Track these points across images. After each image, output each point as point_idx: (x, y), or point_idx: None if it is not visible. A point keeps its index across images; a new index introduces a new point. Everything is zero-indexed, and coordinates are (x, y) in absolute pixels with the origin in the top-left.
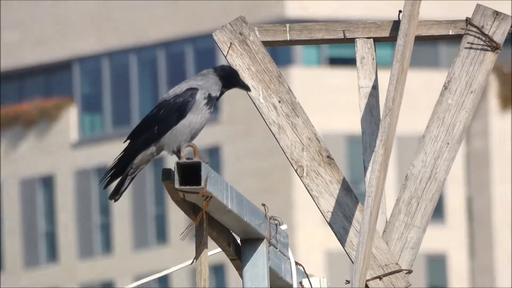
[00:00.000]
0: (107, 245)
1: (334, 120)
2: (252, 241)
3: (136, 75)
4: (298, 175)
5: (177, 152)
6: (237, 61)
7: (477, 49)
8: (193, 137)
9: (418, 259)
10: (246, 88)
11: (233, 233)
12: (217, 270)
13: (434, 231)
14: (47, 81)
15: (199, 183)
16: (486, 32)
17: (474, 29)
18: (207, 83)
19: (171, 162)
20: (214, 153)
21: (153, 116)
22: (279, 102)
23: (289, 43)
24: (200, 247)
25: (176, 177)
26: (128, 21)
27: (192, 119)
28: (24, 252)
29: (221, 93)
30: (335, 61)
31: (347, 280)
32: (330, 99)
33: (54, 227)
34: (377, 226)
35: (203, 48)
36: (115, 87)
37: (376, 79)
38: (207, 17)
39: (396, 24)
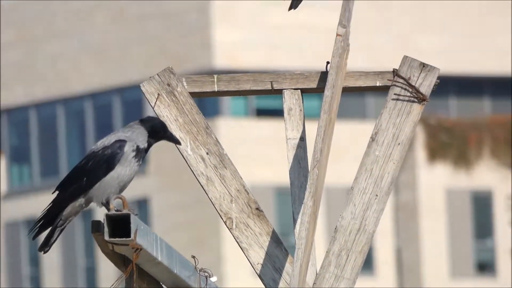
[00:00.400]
0: None
1: (263, 172)
2: None
3: (64, 126)
4: (228, 227)
5: (106, 204)
6: (165, 112)
7: (404, 100)
8: (122, 189)
9: None
10: (174, 140)
11: (163, 285)
12: None
13: (363, 283)
14: None
15: (128, 235)
16: (413, 84)
17: (401, 80)
18: (135, 135)
19: (100, 214)
20: (143, 205)
21: (82, 167)
22: (207, 153)
23: (217, 94)
24: None
25: (106, 229)
26: (55, 72)
27: (120, 171)
28: None
29: (149, 145)
30: (262, 112)
31: None
32: (258, 150)
33: None
34: (307, 278)
35: (131, 99)
36: (43, 138)
37: (304, 130)
38: (135, 67)
39: (323, 75)
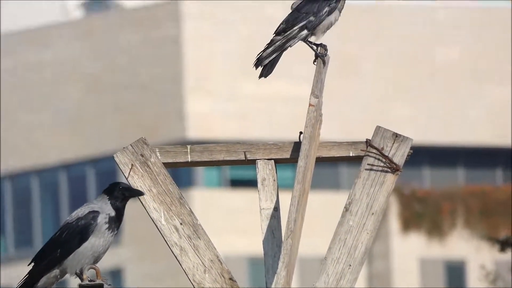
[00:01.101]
0: None
1: (236, 242)
2: None
3: (38, 197)
4: None
5: (80, 274)
6: (139, 182)
7: (377, 170)
8: (96, 259)
9: None
10: (136, 193)
11: None
12: None
13: None
14: None
15: None
16: (386, 154)
17: (374, 150)
18: (105, 205)
19: (74, 284)
20: (116, 275)
21: (56, 239)
22: (181, 224)
23: (190, 165)
24: None
25: None
26: (30, 143)
27: (94, 242)
28: None
29: (118, 210)
30: (236, 183)
31: None
32: (231, 220)
33: None
34: None
35: (105, 170)
36: (17, 209)
37: (278, 200)
38: (109, 138)
39: (297, 146)
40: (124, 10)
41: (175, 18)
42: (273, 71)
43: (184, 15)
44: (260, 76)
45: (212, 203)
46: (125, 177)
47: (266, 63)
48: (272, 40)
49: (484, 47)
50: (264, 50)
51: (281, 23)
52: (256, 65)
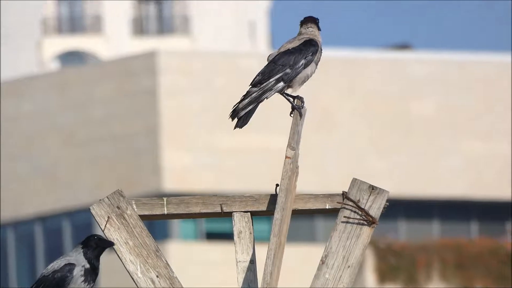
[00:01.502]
0: None
1: None
2: None
3: (14, 249)
4: None
5: None
6: (115, 235)
7: (353, 223)
8: None
9: None
10: (107, 244)
11: None
12: None
13: None
14: None
15: None
16: (363, 206)
17: (351, 203)
18: (81, 257)
19: None
20: None
21: None
22: (157, 276)
23: (167, 217)
24: None
25: None
26: (6, 195)
27: None
28: None
29: (92, 263)
30: (212, 236)
31: None
32: (208, 273)
33: None
34: None
35: (81, 222)
36: None
37: (254, 253)
38: (85, 191)
39: (273, 198)
40: (100, 63)
41: (151, 71)
42: (248, 122)
43: (160, 68)
44: (235, 127)
45: (188, 255)
46: (101, 229)
47: (242, 115)
48: (248, 92)
49: (459, 101)
50: (240, 102)
51: (257, 75)
52: (232, 116)
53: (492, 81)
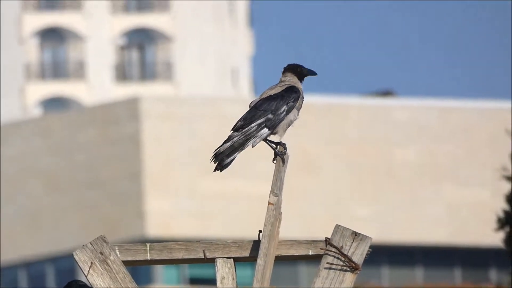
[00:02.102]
0: None
1: None
2: None
3: None
4: None
5: None
6: (98, 280)
7: (336, 269)
8: None
9: None
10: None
11: None
12: None
13: None
14: None
15: None
16: (346, 253)
17: (334, 249)
18: None
19: None
20: None
21: None
22: None
23: (150, 263)
24: None
25: None
26: None
27: None
28: None
29: None
30: (195, 281)
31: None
32: None
33: None
34: None
35: (64, 268)
36: None
37: None
38: (68, 236)
39: (256, 244)
40: (83, 109)
41: (134, 116)
42: (229, 166)
43: (143, 114)
44: (215, 170)
45: None
46: (84, 275)
47: (227, 162)
48: (229, 136)
49: (441, 147)
50: (221, 145)
51: (239, 120)
52: (215, 161)
53: (474, 128)
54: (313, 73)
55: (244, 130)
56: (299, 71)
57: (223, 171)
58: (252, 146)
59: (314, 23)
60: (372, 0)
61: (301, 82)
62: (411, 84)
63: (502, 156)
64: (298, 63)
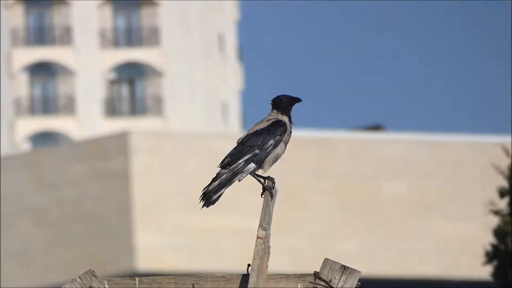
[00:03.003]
0: None
1: None
2: None
3: None
4: None
5: None
6: None
7: None
8: None
9: None
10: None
11: None
12: None
13: None
14: None
15: None
16: (335, 286)
17: (323, 283)
18: None
19: None
20: None
21: None
22: None
23: None
24: None
25: None
26: None
27: None
28: None
29: None
30: None
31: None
32: None
33: None
34: None
35: None
36: None
37: None
38: (57, 271)
39: (245, 278)
40: (72, 143)
41: (123, 151)
42: (216, 202)
43: (132, 149)
44: (203, 206)
45: None
46: None
47: (214, 198)
48: (218, 174)
49: (430, 182)
50: (210, 184)
51: (226, 157)
52: (203, 199)
53: (463, 163)
54: (297, 100)
55: (231, 167)
56: (285, 102)
57: (211, 207)
58: (239, 181)
59: (304, 57)
60: (363, 33)
61: (289, 112)
62: (401, 119)
63: (491, 190)
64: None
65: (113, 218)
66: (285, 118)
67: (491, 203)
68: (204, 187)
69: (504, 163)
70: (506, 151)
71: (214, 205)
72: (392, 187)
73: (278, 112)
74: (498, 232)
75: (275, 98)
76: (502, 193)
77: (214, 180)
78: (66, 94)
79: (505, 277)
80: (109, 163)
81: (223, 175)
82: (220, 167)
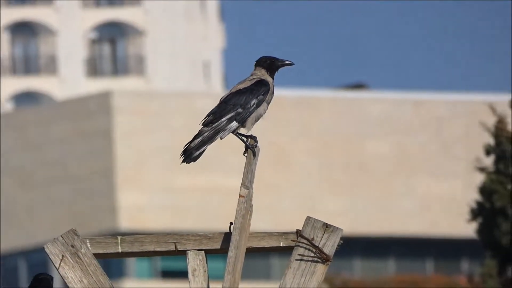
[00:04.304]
0: None
1: None
2: None
3: None
4: None
5: None
6: (69, 273)
7: (308, 260)
8: None
9: None
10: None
11: None
12: None
13: None
14: None
15: None
16: (317, 244)
17: (305, 241)
18: None
19: None
20: None
21: None
22: None
23: (121, 256)
24: None
25: None
26: None
27: None
28: None
29: None
30: (167, 274)
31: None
32: None
33: None
34: None
35: (36, 261)
36: None
37: None
38: (40, 230)
39: (227, 236)
40: (55, 103)
41: (106, 111)
42: (198, 159)
43: (114, 108)
44: (182, 162)
45: None
46: (55, 268)
47: (195, 155)
48: (200, 131)
49: (414, 140)
50: (191, 141)
51: (208, 114)
52: (184, 155)
53: (447, 121)
54: (288, 63)
55: (214, 125)
56: (270, 64)
57: (195, 164)
58: (221, 139)
59: (286, 16)
60: None
61: (273, 74)
62: (384, 77)
63: (475, 148)
64: (270, 55)
65: (96, 177)
66: (268, 78)
67: (476, 160)
68: (185, 144)
69: (490, 120)
70: (492, 108)
71: (195, 162)
72: (376, 145)
73: (266, 72)
74: (484, 190)
75: (262, 57)
76: (488, 151)
77: (196, 137)
78: (47, 54)
79: (491, 234)
80: (91, 122)
81: (205, 132)
82: (202, 125)
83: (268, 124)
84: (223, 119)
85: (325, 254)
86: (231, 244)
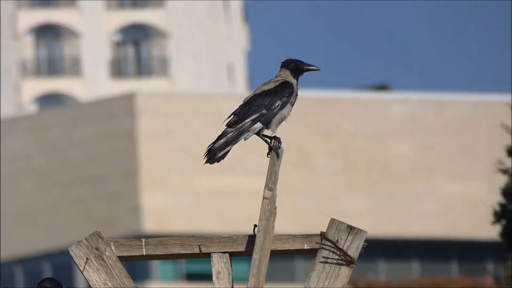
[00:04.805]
0: None
1: None
2: None
3: None
4: None
5: None
6: (94, 276)
7: (332, 263)
8: None
9: None
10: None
11: None
12: None
13: None
14: None
15: None
16: (341, 247)
17: (329, 243)
18: None
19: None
20: None
21: None
22: None
23: (145, 258)
24: None
25: None
26: None
27: None
28: None
29: None
30: (192, 276)
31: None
32: None
33: None
34: None
35: (61, 264)
36: None
37: None
38: (64, 233)
39: (251, 239)
40: (78, 105)
41: (129, 113)
42: (222, 160)
43: (138, 110)
44: (206, 162)
45: None
46: (80, 270)
47: (219, 155)
48: (224, 132)
49: (436, 141)
50: (215, 141)
51: (233, 115)
52: (208, 156)
53: (469, 122)
54: (314, 68)
55: (238, 126)
56: (295, 66)
57: (218, 165)
58: (245, 140)
59: (310, 17)
60: None
61: (298, 77)
62: (407, 78)
63: (497, 149)
64: (294, 58)
65: (119, 179)
66: (293, 81)
67: (499, 162)
68: (209, 144)
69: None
70: None
71: (218, 163)
72: (398, 146)
73: (290, 74)
74: (507, 192)
75: (287, 60)
76: (510, 152)
77: (219, 138)
78: (71, 56)
79: None
80: (115, 124)
81: (229, 133)
82: (226, 125)
83: (291, 125)
84: (247, 120)
85: (349, 256)
86: (255, 247)
